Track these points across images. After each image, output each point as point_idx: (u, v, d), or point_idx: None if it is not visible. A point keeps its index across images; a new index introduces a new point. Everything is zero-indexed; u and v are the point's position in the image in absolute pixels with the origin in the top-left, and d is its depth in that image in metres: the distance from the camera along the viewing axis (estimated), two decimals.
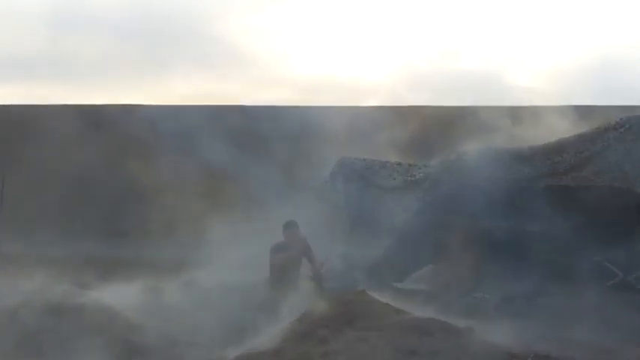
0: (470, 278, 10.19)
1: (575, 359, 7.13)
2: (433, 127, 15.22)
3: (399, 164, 12.86)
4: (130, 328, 8.28)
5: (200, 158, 13.35)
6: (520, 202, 10.50)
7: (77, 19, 27.32)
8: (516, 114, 13.26)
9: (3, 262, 10.78)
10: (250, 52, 27.50)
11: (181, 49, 26.98)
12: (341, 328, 7.33)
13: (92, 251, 12.00)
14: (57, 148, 15.51)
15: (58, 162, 15.41)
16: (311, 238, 10.53)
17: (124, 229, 14.36)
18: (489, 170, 11.14)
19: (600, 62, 24.76)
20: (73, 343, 7.74)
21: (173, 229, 12.74)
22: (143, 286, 10.12)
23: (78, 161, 14.75)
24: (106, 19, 26.53)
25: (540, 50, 28.83)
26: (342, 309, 7.68)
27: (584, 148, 10.56)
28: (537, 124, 12.45)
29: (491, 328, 7.82)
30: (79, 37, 27.76)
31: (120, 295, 9.43)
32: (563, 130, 11.49)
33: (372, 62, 28.28)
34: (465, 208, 10.91)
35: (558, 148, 10.82)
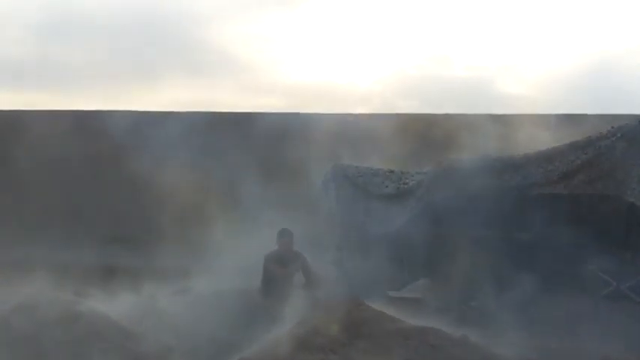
0: (464, 287, 10.22)
1: None
2: (425, 135, 15.27)
3: (392, 172, 12.87)
4: (125, 335, 8.27)
5: (193, 166, 13.34)
6: (512, 211, 10.52)
7: (67, 25, 27.26)
8: (508, 122, 13.32)
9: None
10: (241, 58, 27.55)
11: (172, 56, 26.97)
12: (336, 336, 7.34)
13: (88, 259, 11.98)
14: (50, 154, 15.49)
15: (52, 168, 15.38)
16: (303, 246, 10.54)
17: (119, 237, 14.33)
18: (481, 178, 11.18)
19: (591, 70, 24.90)
20: (69, 351, 7.72)
21: (169, 237, 12.73)
22: (139, 294, 10.12)
23: (72, 168, 14.71)
24: (96, 25, 26.47)
25: (531, 58, 28.98)
26: (337, 317, 7.69)
27: (575, 156, 10.58)
28: (529, 132, 12.51)
29: (486, 336, 7.85)
30: (69, 43, 27.71)
31: (116, 303, 9.43)
32: (555, 138, 11.53)
33: (363, 70, 28.34)
34: (458, 216, 10.94)
35: (550, 157, 10.85)
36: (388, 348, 7.11)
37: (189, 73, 26.90)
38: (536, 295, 9.76)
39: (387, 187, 12.37)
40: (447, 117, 15.53)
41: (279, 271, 10.16)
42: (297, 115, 15.92)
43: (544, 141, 11.56)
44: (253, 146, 14.97)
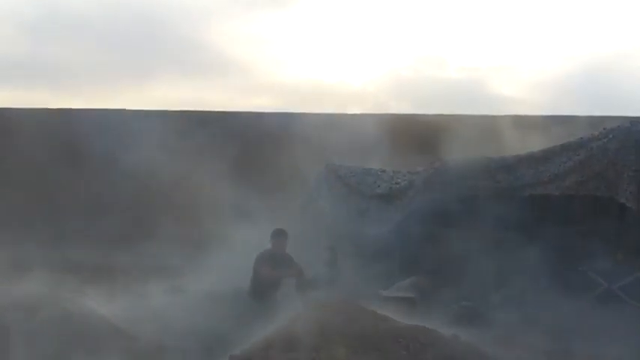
0: (455, 286, 10.24)
1: None
2: (417, 136, 15.29)
3: (384, 171, 12.89)
4: (118, 334, 8.25)
5: (185, 165, 13.33)
6: (504, 211, 10.54)
7: (58, 23, 27.19)
8: (500, 123, 13.35)
9: None
10: (235, 58, 27.51)
11: (164, 55, 26.92)
12: (327, 335, 7.32)
13: (78, 257, 11.95)
14: (40, 152, 15.44)
15: (42, 167, 15.35)
16: (296, 245, 10.53)
17: (111, 235, 14.30)
18: (473, 179, 11.21)
19: (583, 72, 24.98)
20: (62, 350, 7.69)
21: (161, 235, 12.70)
22: (130, 292, 10.10)
23: (63, 166, 14.68)
24: (89, 24, 26.42)
25: (524, 60, 29.05)
26: (329, 317, 7.68)
27: (567, 157, 10.62)
28: (521, 133, 12.54)
29: (477, 336, 7.86)
30: (62, 42, 27.64)
31: (106, 301, 9.41)
32: (547, 139, 11.57)
33: (356, 70, 28.35)
34: (450, 216, 10.96)
35: (542, 158, 10.89)
36: (380, 347, 7.10)
37: (180, 72, 26.87)
38: (527, 295, 9.80)
39: (379, 186, 12.39)
40: (440, 118, 15.54)
41: (268, 273, 10.09)
42: (292, 115, 15.91)
43: (536, 142, 11.59)
44: (246, 146, 14.97)
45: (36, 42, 26.98)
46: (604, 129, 10.57)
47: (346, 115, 17.01)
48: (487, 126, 13.01)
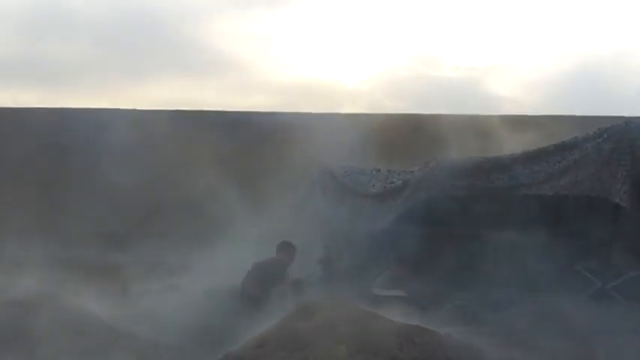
0: (449, 285, 10.25)
1: None
2: (412, 135, 15.30)
3: (378, 171, 12.89)
4: (111, 332, 8.25)
5: (180, 163, 13.33)
6: (499, 211, 10.55)
7: (53, 22, 27.14)
8: (495, 122, 13.36)
9: None
10: (230, 57, 27.47)
11: (159, 54, 26.87)
12: (320, 334, 7.32)
13: (73, 253, 11.94)
14: (31, 149, 15.44)
15: (38, 164, 15.34)
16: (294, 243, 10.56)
17: (105, 233, 14.30)
18: (468, 179, 11.21)
19: (578, 72, 25.00)
20: (51, 345, 7.69)
21: (155, 233, 12.71)
22: (126, 290, 10.10)
23: (58, 164, 14.67)
24: (84, 23, 26.37)
25: (519, 59, 29.08)
26: (322, 315, 7.68)
27: (562, 157, 10.62)
28: (516, 133, 12.55)
29: (471, 335, 7.86)
30: (54, 41, 27.59)
31: (100, 298, 9.40)
32: (541, 139, 11.57)
33: (351, 69, 28.36)
34: (444, 216, 10.97)
35: (537, 158, 10.88)
36: (373, 346, 7.10)
37: (177, 71, 26.83)
38: (521, 294, 9.81)
39: (373, 186, 12.39)
40: (435, 117, 15.53)
41: (253, 291, 9.99)
42: (286, 114, 15.90)
43: (530, 142, 11.60)
44: (239, 145, 14.96)
45: (29, 41, 26.88)
46: (598, 129, 10.56)
47: (341, 114, 17.00)
48: (482, 125, 13.02)
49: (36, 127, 15.41)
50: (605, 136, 10.34)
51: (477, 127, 13.02)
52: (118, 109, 17.19)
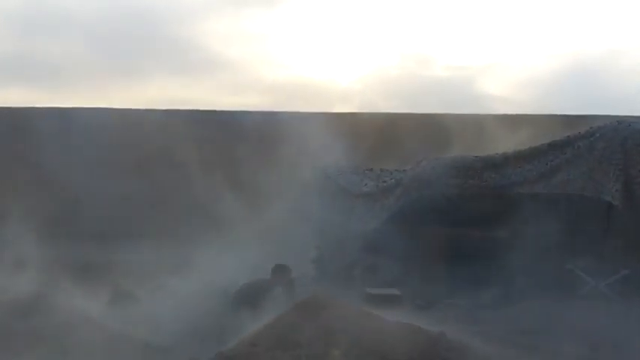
0: (441, 284, 10.26)
1: None
2: (404, 134, 15.28)
3: (370, 170, 12.91)
4: (102, 331, 8.21)
5: (174, 164, 13.30)
6: (491, 210, 10.57)
7: (46, 20, 27.05)
8: (488, 122, 13.37)
9: None
10: (223, 57, 27.40)
11: (152, 54, 26.81)
12: (313, 333, 7.30)
13: (66, 253, 11.89)
14: (23, 150, 15.39)
15: (26, 164, 15.28)
16: (284, 244, 10.53)
17: (96, 234, 14.25)
18: (460, 178, 11.23)
19: (570, 71, 25.04)
20: (43, 344, 7.65)
21: (148, 233, 12.66)
22: (115, 289, 10.06)
23: (51, 163, 14.60)
24: (77, 22, 26.28)
25: (511, 59, 29.13)
26: (315, 314, 7.66)
27: (554, 156, 10.65)
28: (508, 132, 12.56)
29: (465, 333, 7.85)
30: (48, 40, 27.51)
31: (92, 298, 9.37)
32: (534, 138, 11.59)
33: (344, 69, 28.34)
34: (436, 215, 10.98)
35: (529, 157, 10.91)
36: (366, 345, 7.09)
37: (170, 70, 26.76)
38: (514, 292, 9.82)
39: (365, 185, 12.41)
40: (426, 116, 15.55)
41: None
42: (279, 114, 15.88)
43: (523, 141, 11.62)
44: (234, 144, 14.93)
45: (22, 39, 26.79)
46: (590, 127, 10.60)
47: (333, 113, 16.99)
48: (474, 124, 13.03)
49: (33, 126, 15.37)
50: (597, 134, 10.38)
51: (469, 126, 13.02)
52: (109, 109, 17.15)
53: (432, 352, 7.09)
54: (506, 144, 11.75)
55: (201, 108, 17.36)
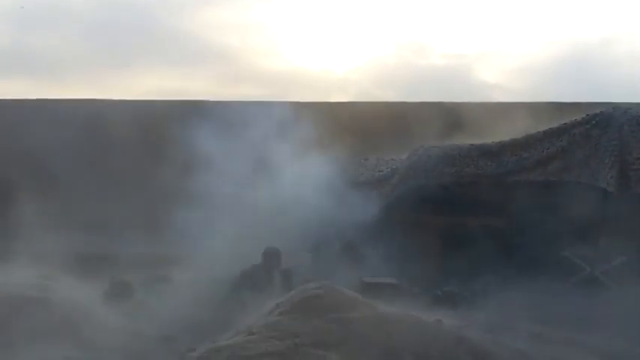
0: (438, 272, 10.27)
1: (544, 352, 7.21)
2: (400, 123, 15.26)
3: (366, 159, 12.90)
4: (99, 322, 8.22)
5: (173, 153, 13.25)
6: (487, 198, 10.58)
7: (40, 12, 26.93)
8: (484, 110, 13.34)
9: None
10: (218, 47, 27.32)
11: (147, 44, 26.75)
12: (310, 321, 7.31)
13: (62, 245, 11.87)
14: (20, 142, 15.36)
15: (23, 156, 15.25)
16: (283, 233, 10.52)
17: (94, 224, 14.22)
18: (457, 166, 11.23)
19: (566, 59, 24.99)
20: (38, 335, 7.64)
21: (145, 225, 12.63)
22: (112, 281, 10.06)
23: (49, 155, 14.57)
24: (71, 12, 26.22)
25: (507, 47, 29.09)
26: (312, 302, 7.66)
27: (550, 144, 10.67)
28: (504, 120, 12.54)
29: (460, 320, 7.87)
30: (42, 31, 27.41)
31: (88, 289, 9.37)
32: (530, 126, 11.58)
33: (340, 58, 28.25)
34: (433, 203, 10.99)
35: (525, 144, 10.93)
36: (363, 333, 7.09)
37: (165, 61, 26.68)
38: (510, 280, 9.83)
39: (362, 174, 12.39)
40: (423, 105, 15.51)
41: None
42: (275, 103, 15.84)
43: (519, 128, 11.61)
44: (231, 135, 14.90)
45: (17, 31, 26.69)
46: (587, 115, 10.61)
47: (329, 103, 16.94)
48: (470, 112, 13.01)
49: (30, 119, 15.35)
50: (594, 122, 10.40)
51: (466, 114, 13.00)
52: (107, 100, 17.11)
53: (429, 340, 7.11)
54: (502, 132, 11.73)
55: (197, 98, 17.33)
